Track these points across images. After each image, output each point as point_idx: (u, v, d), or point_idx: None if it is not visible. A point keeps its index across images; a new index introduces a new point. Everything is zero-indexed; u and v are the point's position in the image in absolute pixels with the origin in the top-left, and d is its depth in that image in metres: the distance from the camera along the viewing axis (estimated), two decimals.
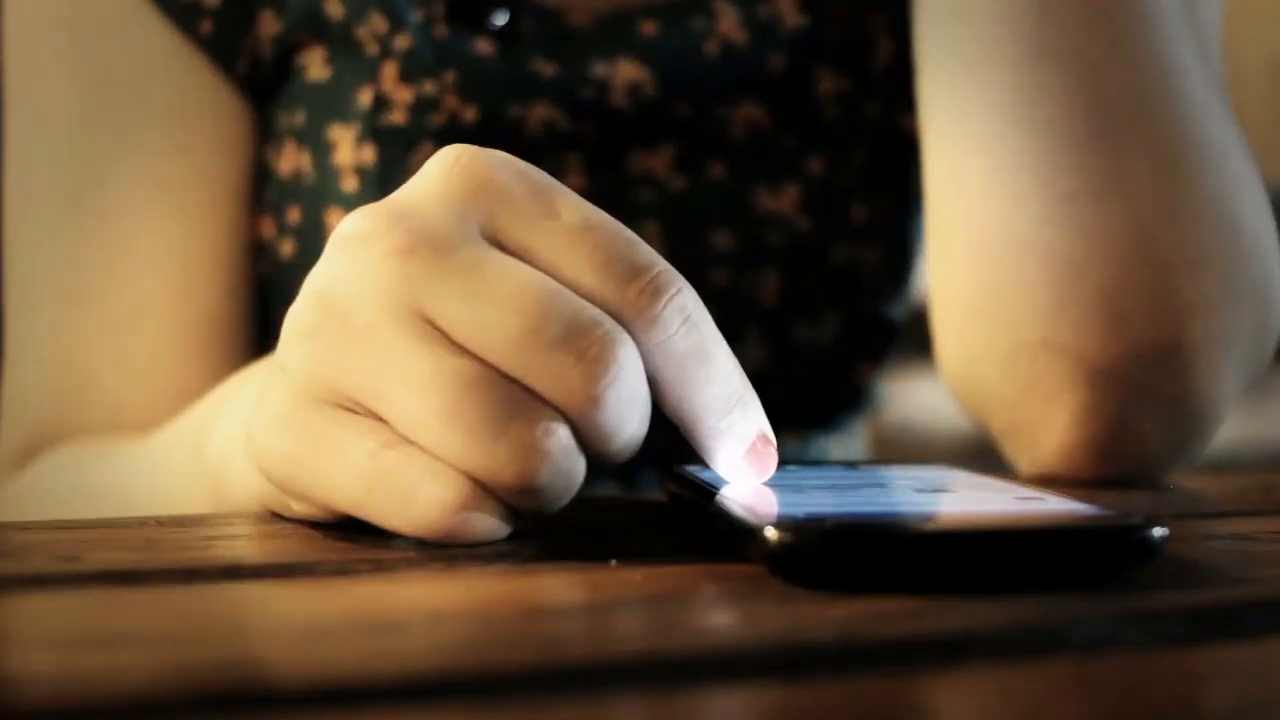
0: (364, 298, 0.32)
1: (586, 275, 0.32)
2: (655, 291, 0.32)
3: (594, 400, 0.31)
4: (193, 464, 0.43)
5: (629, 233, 0.33)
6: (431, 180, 0.33)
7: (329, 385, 0.33)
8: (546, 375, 0.31)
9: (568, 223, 0.32)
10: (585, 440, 0.32)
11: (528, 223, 0.32)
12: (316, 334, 0.33)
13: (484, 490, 0.31)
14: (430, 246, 0.32)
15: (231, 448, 0.38)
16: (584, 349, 0.31)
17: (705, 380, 0.33)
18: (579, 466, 0.32)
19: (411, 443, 0.32)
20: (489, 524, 0.32)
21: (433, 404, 0.31)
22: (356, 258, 0.32)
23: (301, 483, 0.33)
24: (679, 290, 0.32)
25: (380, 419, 0.32)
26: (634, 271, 0.32)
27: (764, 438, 0.34)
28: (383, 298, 0.32)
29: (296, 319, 0.33)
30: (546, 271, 0.32)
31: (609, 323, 0.31)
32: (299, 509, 0.34)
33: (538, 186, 0.33)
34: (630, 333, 0.32)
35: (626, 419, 0.32)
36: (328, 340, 0.32)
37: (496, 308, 0.31)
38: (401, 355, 0.31)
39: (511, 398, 0.31)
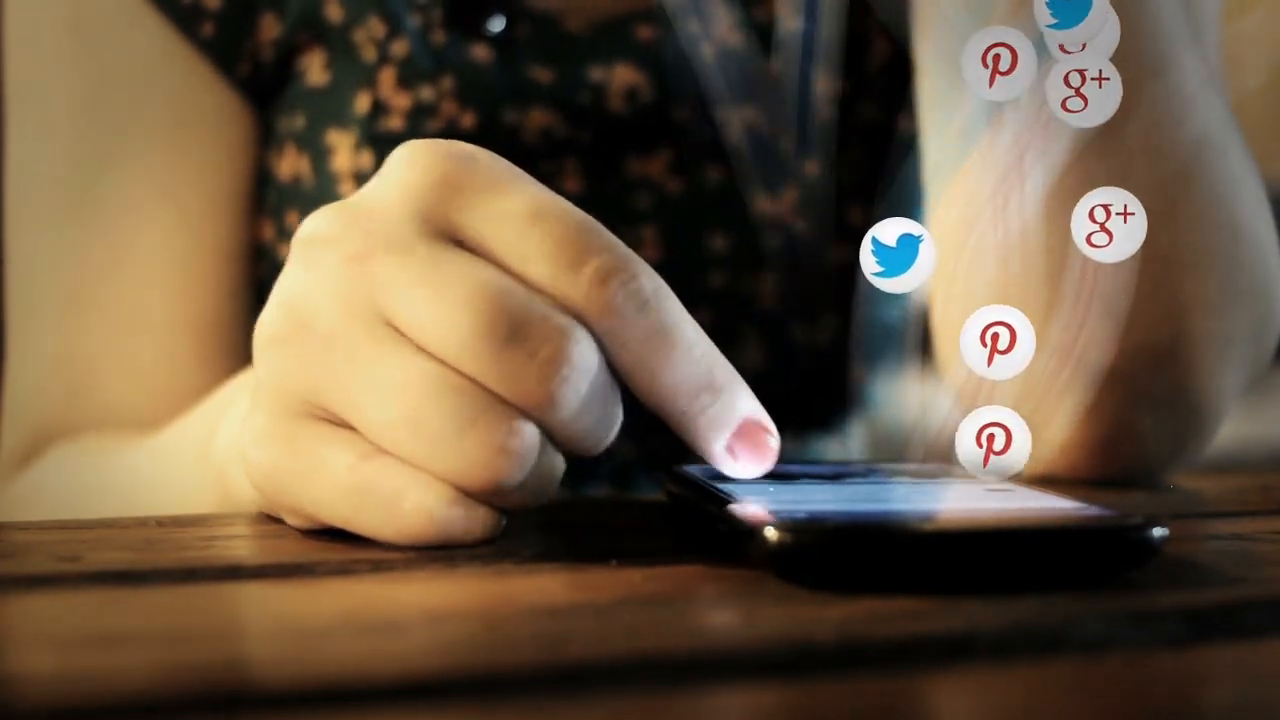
0: (326, 304, 0.32)
1: (537, 266, 0.32)
2: (604, 278, 0.31)
3: (550, 399, 0.31)
4: (198, 465, 0.43)
5: (582, 218, 0.32)
6: (389, 179, 0.33)
7: (301, 396, 0.33)
8: (502, 376, 0.31)
9: (517, 212, 0.32)
10: (552, 437, 0.32)
11: (481, 216, 0.32)
12: (283, 343, 0.33)
13: (465, 492, 0.31)
14: (387, 249, 0.32)
15: (235, 449, 0.38)
16: (536, 348, 0.31)
17: (669, 364, 0.32)
18: (553, 462, 0.32)
19: (387, 451, 0.32)
20: (477, 524, 0.32)
21: (397, 411, 0.31)
22: (318, 263, 0.33)
23: (289, 498, 0.33)
24: (632, 274, 0.32)
25: (354, 427, 0.32)
26: (582, 258, 0.32)
27: (756, 423, 0.33)
28: (344, 304, 0.32)
29: (264, 328, 0.34)
30: (500, 264, 0.32)
31: (561, 318, 0.31)
32: (293, 521, 0.35)
33: (491, 177, 0.33)
34: (586, 322, 0.32)
35: (589, 414, 0.32)
36: (294, 350, 0.33)
37: (450, 309, 0.31)
38: (365, 362, 0.32)
39: (474, 400, 0.31)
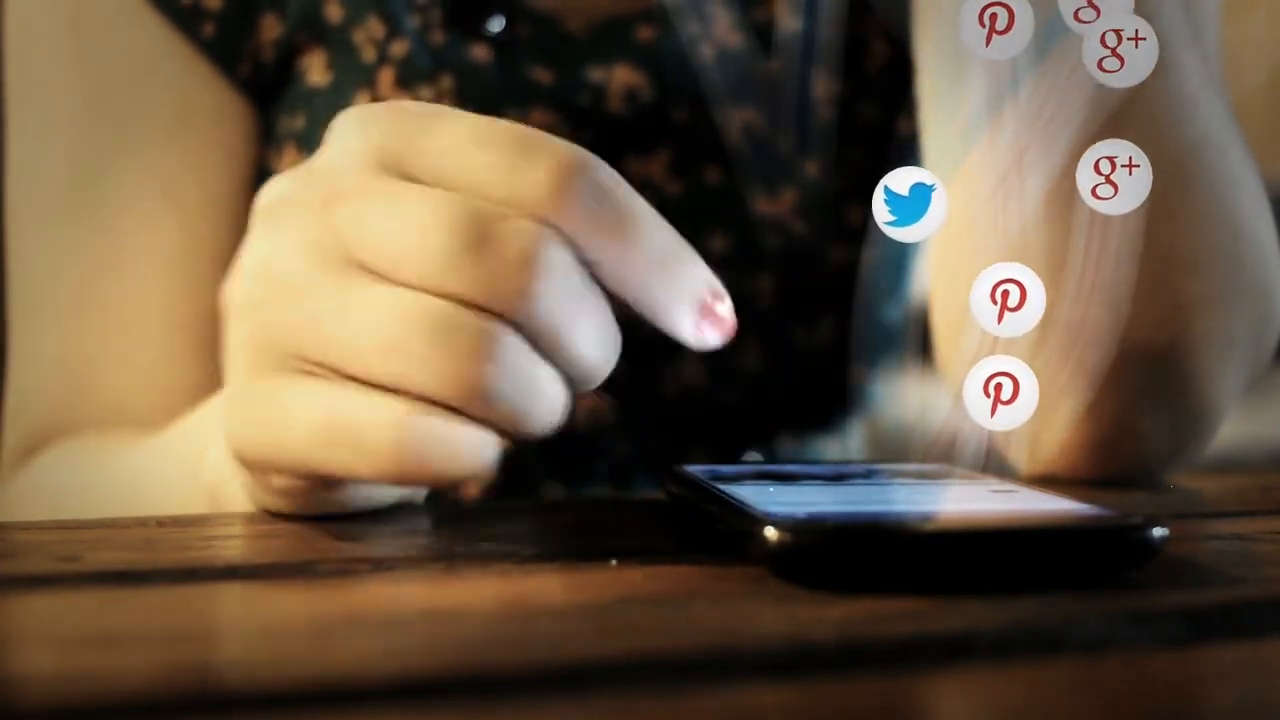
0: (295, 259, 0.32)
1: (493, 181, 0.32)
2: (560, 177, 0.32)
3: (526, 295, 0.31)
4: (190, 478, 0.43)
5: (526, 130, 0.33)
6: (337, 143, 0.34)
7: (276, 352, 0.33)
8: (476, 284, 0.31)
9: (464, 137, 0.33)
10: (543, 349, 0.32)
11: (431, 150, 0.33)
12: (254, 305, 0.33)
13: (449, 418, 0.31)
14: (348, 195, 0.32)
15: (228, 466, 0.39)
16: (504, 248, 0.31)
17: (635, 244, 0.32)
18: (540, 374, 0.32)
19: (363, 388, 0.32)
20: (461, 443, 0.31)
21: (373, 340, 0.31)
22: (283, 224, 0.33)
23: (265, 455, 0.33)
24: (586, 167, 0.32)
25: (333, 370, 0.32)
26: (535, 164, 0.32)
27: (714, 293, 0.34)
28: (313, 254, 0.32)
29: (234, 295, 0.34)
30: (460, 190, 0.32)
31: (525, 221, 0.31)
32: (279, 483, 0.34)
33: (432, 115, 0.33)
34: (552, 223, 0.32)
35: (571, 313, 0.32)
36: (267, 307, 0.33)
37: (417, 233, 0.31)
38: (339, 303, 0.32)
39: (449, 314, 0.31)
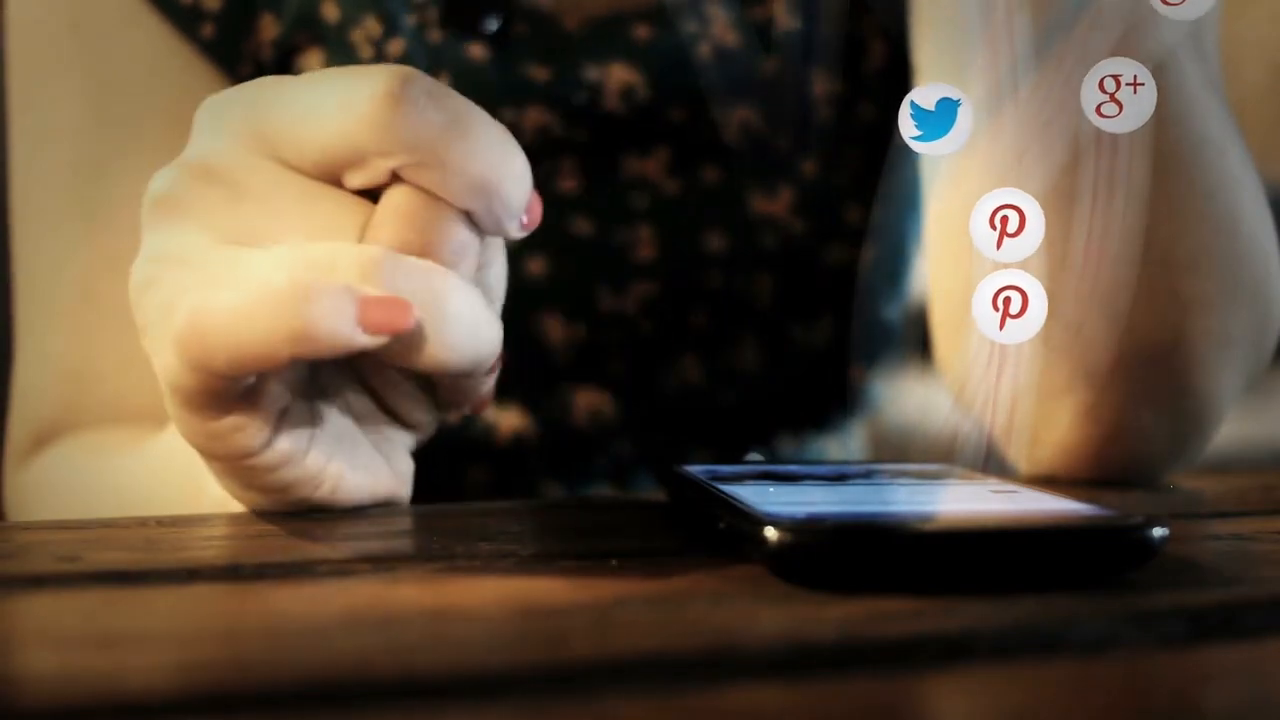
0: (195, 239, 0.35)
1: (335, 131, 0.35)
2: (385, 105, 0.35)
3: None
4: (190, 496, 0.43)
5: (348, 71, 0.35)
6: (204, 133, 0.37)
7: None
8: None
9: (303, 101, 0.35)
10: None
11: (284, 126, 0.35)
12: (156, 285, 0.35)
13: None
14: (248, 191, 0.35)
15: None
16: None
17: (471, 141, 0.37)
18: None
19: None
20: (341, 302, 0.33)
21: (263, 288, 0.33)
22: (180, 214, 0.35)
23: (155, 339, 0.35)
24: (409, 82, 0.35)
25: None
26: (360, 95, 0.35)
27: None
28: (213, 235, 0.35)
29: (134, 284, 0.35)
30: (313, 153, 0.35)
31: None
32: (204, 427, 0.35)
33: (271, 88, 0.36)
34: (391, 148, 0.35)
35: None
36: (169, 281, 0.34)
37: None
38: (232, 263, 0.34)
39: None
